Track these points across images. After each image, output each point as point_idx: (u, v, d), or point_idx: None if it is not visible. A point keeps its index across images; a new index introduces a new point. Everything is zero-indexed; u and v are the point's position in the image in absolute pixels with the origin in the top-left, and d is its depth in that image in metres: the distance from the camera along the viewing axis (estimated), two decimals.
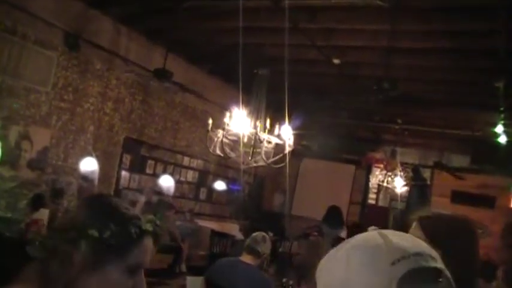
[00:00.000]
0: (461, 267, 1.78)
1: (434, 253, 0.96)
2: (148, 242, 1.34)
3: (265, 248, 4.85)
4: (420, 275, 0.90)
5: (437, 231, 1.84)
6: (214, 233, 10.53)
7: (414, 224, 1.94)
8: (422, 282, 0.90)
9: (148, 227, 1.36)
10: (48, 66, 7.63)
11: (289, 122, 6.14)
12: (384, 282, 0.89)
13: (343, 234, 8.88)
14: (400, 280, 0.89)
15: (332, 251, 1.00)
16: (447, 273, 0.93)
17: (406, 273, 0.89)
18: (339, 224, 9.15)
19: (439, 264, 0.94)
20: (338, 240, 7.89)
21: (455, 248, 1.76)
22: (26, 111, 7.40)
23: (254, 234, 4.90)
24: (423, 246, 0.96)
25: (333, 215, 9.49)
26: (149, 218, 1.40)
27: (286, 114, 6.10)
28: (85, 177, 7.75)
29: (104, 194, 1.60)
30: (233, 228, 11.36)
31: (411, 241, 0.97)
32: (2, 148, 6.79)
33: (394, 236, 0.97)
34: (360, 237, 0.99)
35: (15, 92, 7.19)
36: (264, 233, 4.95)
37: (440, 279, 0.91)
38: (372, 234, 0.98)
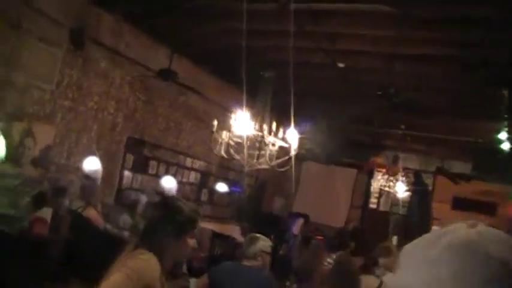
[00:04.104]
0: None
1: None
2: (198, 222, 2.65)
3: (258, 248, 4.85)
4: None
5: None
6: (215, 234, 10.51)
7: None
8: None
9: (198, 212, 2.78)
10: (53, 63, 7.60)
11: (295, 126, 6.14)
12: None
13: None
14: None
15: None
16: None
17: None
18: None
19: None
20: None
21: None
22: (30, 109, 7.39)
23: (245, 237, 4.95)
24: None
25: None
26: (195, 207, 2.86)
27: (292, 118, 6.09)
28: (88, 176, 7.71)
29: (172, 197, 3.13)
30: (234, 230, 11.34)
31: None
32: (5, 145, 6.77)
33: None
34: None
35: (19, 88, 7.17)
36: (254, 235, 4.96)
37: None
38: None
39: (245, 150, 6.13)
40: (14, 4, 6.87)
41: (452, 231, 0.94)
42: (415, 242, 0.98)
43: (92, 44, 8.08)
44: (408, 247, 0.99)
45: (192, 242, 2.52)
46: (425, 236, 0.98)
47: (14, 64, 7.02)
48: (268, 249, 5.03)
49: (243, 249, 4.87)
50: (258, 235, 5.03)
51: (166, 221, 2.42)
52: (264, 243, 4.97)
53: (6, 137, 6.78)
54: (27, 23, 7.08)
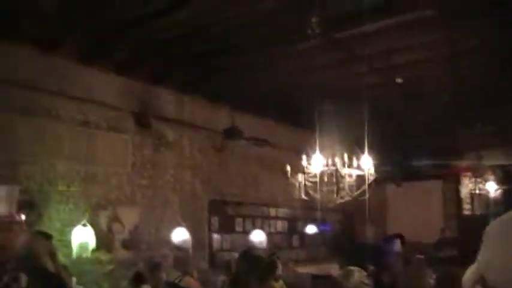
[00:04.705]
0: None
1: None
2: (279, 264, 3.22)
3: (356, 280, 4.78)
4: None
5: None
6: (314, 277, 10.39)
7: None
8: None
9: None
10: (124, 148, 7.92)
11: (368, 152, 6.08)
12: None
13: None
14: None
15: None
16: None
17: None
18: None
19: None
20: None
21: None
22: (111, 195, 7.65)
23: (339, 273, 4.87)
24: None
25: None
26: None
27: (366, 144, 6.05)
28: (179, 247, 7.86)
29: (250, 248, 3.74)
30: (332, 269, 11.17)
31: None
32: (95, 234, 7.02)
33: None
34: None
35: (98, 179, 7.46)
36: (348, 268, 4.90)
37: None
38: None
39: (319, 187, 6.10)
40: (80, 103, 7.24)
41: None
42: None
43: (157, 121, 8.36)
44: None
45: (278, 285, 2.69)
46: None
47: (89, 158, 7.34)
48: (366, 280, 4.94)
49: (341, 285, 4.79)
50: (351, 267, 4.96)
51: (249, 269, 2.64)
52: (359, 273, 4.90)
53: (94, 226, 7.05)
54: (93, 117, 7.44)
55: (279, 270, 2.58)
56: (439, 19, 6.51)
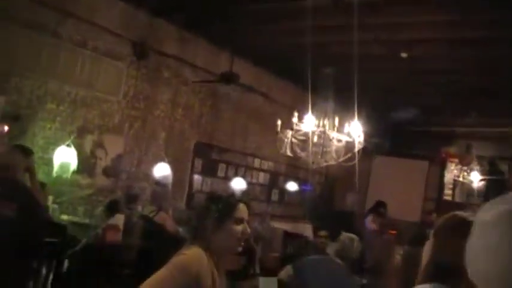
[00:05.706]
0: None
1: None
2: (242, 206, 2.59)
3: (354, 251, 4.90)
4: None
5: None
6: (287, 234, 10.51)
7: None
8: None
9: (239, 198, 2.67)
10: (119, 76, 7.85)
11: (359, 120, 6.05)
12: None
13: None
14: None
15: None
16: None
17: None
18: None
19: None
20: None
21: None
22: (100, 121, 7.64)
23: (342, 237, 4.97)
24: None
25: None
26: (239, 196, 2.83)
27: (356, 111, 6.01)
28: (158, 182, 7.90)
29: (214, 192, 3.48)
30: (306, 229, 11.30)
31: None
32: (78, 157, 7.03)
33: None
34: None
35: (88, 103, 7.43)
36: (352, 236, 4.98)
37: None
38: None
39: (310, 148, 6.10)
40: (79, 22, 7.13)
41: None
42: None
43: (155, 54, 8.27)
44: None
45: (239, 227, 2.53)
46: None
47: (81, 79, 7.28)
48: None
49: (338, 250, 4.91)
50: (353, 236, 5.07)
51: (206, 212, 2.54)
52: (359, 245, 5.05)
53: (78, 149, 7.06)
54: (92, 40, 7.35)
55: (240, 213, 2.54)
56: (454, 2, 6.42)
